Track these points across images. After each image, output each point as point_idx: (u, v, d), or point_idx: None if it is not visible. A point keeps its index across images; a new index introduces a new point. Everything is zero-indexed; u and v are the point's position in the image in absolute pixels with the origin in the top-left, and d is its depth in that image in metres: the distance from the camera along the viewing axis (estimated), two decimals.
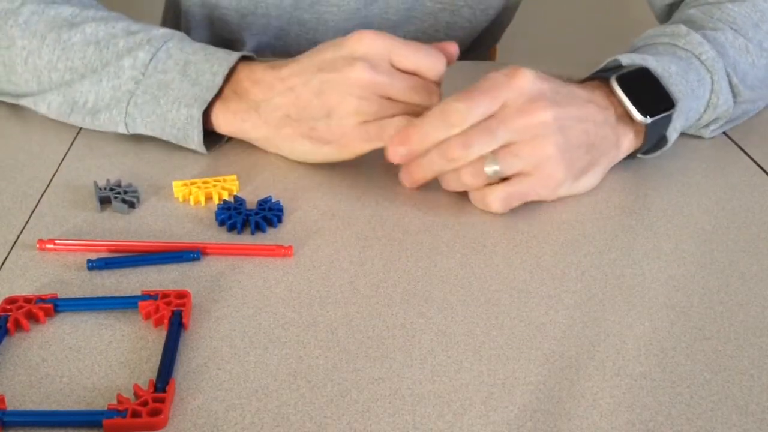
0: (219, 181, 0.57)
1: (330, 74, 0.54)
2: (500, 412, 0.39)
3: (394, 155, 0.54)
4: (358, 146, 0.55)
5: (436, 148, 0.53)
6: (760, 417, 0.39)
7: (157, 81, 0.58)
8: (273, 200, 0.55)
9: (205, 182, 0.56)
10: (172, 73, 0.58)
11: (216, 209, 0.54)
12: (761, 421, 0.39)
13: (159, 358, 0.41)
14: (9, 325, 0.43)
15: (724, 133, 0.68)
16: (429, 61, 0.55)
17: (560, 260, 0.51)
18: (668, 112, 0.57)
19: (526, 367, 0.41)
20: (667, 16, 0.78)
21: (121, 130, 0.60)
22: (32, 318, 0.44)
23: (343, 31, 0.84)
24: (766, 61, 0.65)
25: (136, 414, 0.37)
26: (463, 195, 0.56)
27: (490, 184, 0.53)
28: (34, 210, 0.54)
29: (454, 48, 0.58)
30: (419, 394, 0.40)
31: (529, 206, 0.56)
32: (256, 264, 0.49)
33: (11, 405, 0.38)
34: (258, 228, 0.52)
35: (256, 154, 0.62)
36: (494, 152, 0.52)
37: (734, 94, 0.64)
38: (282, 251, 0.50)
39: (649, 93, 0.57)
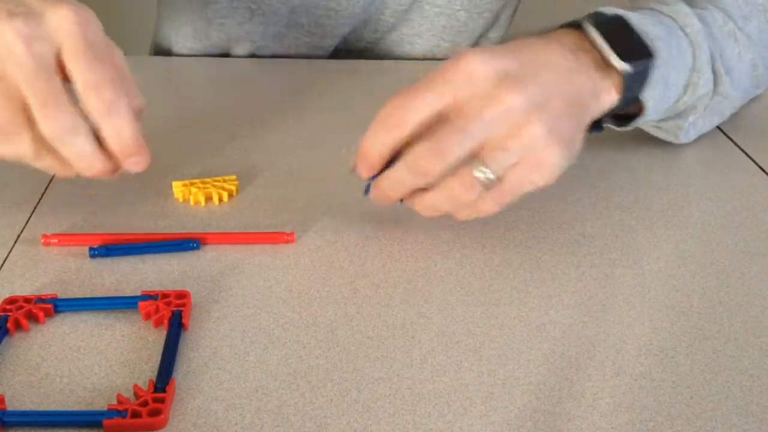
0: (219, 181, 0.57)
1: None
2: (500, 412, 0.39)
3: (359, 171, 0.48)
4: None
5: (403, 162, 0.45)
6: (760, 417, 0.39)
7: None
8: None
9: (204, 182, 0.56)
10: None
11: (215, 209, 0.54)
12: (761, 421, 0.39)
13: (159, 358, 0.41)
14: (9, 325, 0.43)
15: (724, 133, 0.68)
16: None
17: (560, 260, 0.50)
18: (647, 61, 0.50)
19: (526, 367, 0.41)
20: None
21: None
22: (32, 318, 0.44)
23: (342, 34, 0.84)
24: (750, 56, 0.61)
25: (136, 414, 0.37)
26: None
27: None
28: (34, 209, 0.54)
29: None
30: (419, 394, 0.39)
31: (528, 206, 0.56)
32: (256, 264, 0.49)
33: (11, 405, 0.38)
34: None
35: (256, 154, 0.62)
36: (477, 155, 0.44)
37: (715, 82, 0.59)
38: (285, 237, 0.50)
39: (626, 44, 0.49)
